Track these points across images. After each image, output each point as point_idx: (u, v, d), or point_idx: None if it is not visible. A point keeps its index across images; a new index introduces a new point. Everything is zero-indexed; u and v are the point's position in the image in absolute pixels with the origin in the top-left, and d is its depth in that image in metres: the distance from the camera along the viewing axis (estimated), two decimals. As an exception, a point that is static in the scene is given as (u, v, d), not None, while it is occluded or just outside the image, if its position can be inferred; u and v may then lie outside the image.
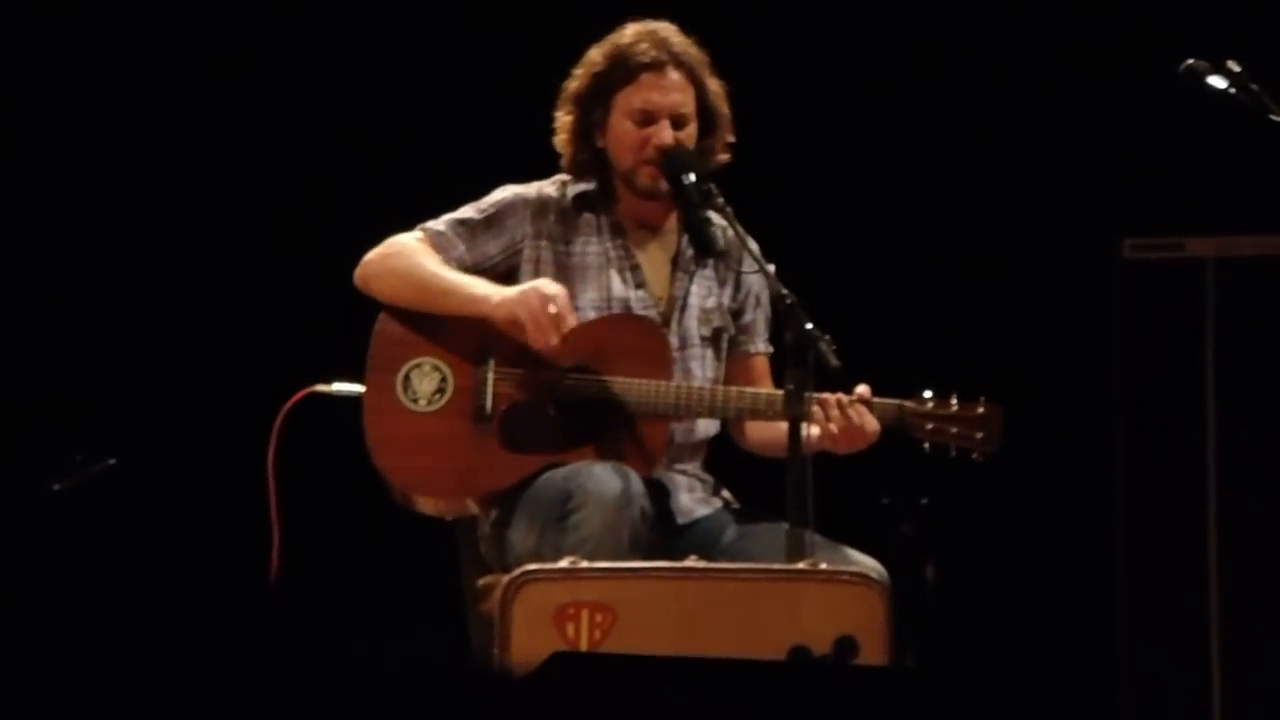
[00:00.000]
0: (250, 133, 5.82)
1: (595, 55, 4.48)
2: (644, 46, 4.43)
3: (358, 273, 4.45)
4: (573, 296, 4.36)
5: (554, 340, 4.26)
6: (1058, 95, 5.85)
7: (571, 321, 4.27)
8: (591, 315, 4.39)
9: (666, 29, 4.47)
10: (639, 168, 4.40)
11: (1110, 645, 5.61)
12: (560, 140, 4.48)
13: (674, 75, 4.43)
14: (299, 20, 5.82)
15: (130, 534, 5.66)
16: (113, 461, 4.99)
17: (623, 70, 4.42)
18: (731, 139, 4.47)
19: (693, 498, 4.42)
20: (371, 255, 4.44)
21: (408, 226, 5.66)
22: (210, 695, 5.50)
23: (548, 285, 4.29)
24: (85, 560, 5.63)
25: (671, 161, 4.35)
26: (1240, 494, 5.54)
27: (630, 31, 4.46)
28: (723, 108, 4.47)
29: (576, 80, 4.48)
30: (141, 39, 5.79)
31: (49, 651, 5.57)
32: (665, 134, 4.37)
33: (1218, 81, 4.28)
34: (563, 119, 4.47)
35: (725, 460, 4.54)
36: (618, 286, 4.42)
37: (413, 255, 4.40)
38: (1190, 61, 4.31)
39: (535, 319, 4.25)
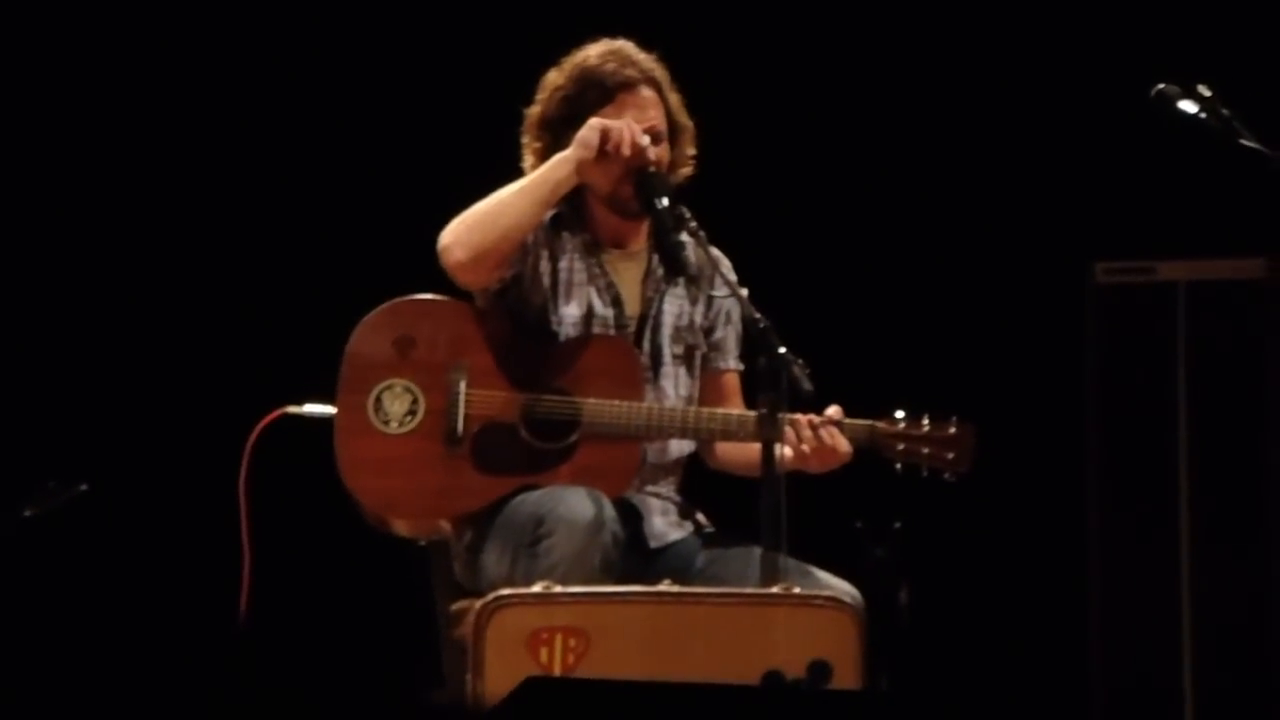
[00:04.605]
0: (218, 157, 5.81)
1: (558, 78, 4.43)
2: (613, 66, 4.40)
3: (446, 259, 4.29)
4: (557, 311, 4.36)
5: (645, 139, 4.30)
6: (1030, 120, 5.86)
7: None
8: (573, 332, 4.38)
9: (628, 46, 4.44)
10: (620, 189, 4.38)
11: (1084, 667, 5.61)
12: (530, 165, 4.42)
13: (646, 92, 4.41)
14: (270, 46, 5.82)
15: (102, 558, 5.64)
16: (84, 487, 4.96)
17: (597, 91, 4.39)
18: (694, 150, 4.45)
19: (665, 521, 4.41)
20: (445, 241, 4.29)
21: (377, 246, 5.66)
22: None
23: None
24: (57, 586, 5.60)
25: (646, 186, 4.33)
26: (1211, 515, 5.55)
27: (595, 52, 4.42)
28: (686, 120, 4.46)
29: (542, 105, 4.44)
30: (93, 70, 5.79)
31: (21, 677, 5.55)
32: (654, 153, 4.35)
33: (1188, 106, 4.28)
34: (531, 144, 4.44)
35: (698, 482, 4.54)
36: (597, 304, 4.41)
37: (468, 213, 4.30)
38: (1161, 86, 4.31)
39: (621, 126, 4.28)
